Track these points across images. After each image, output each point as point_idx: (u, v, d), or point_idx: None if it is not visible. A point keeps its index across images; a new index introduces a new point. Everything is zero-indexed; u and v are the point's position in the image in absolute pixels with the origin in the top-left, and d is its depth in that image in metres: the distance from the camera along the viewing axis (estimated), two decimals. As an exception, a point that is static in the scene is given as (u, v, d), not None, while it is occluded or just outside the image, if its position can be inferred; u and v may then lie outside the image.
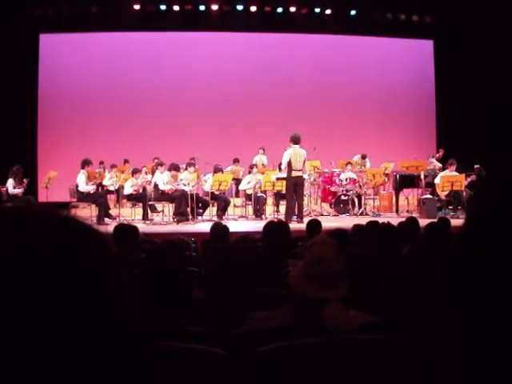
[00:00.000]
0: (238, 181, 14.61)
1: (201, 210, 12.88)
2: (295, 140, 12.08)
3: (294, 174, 11.95)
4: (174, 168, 12.76)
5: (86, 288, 0.75)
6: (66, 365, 0.72)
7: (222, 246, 5.78)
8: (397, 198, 14.09)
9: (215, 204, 13.15)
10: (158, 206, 13.16)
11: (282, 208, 13.14)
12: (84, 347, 0.73)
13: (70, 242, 0.77)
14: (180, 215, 12.29)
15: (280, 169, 13.18)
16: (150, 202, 12.85)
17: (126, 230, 5.79)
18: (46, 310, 0.71)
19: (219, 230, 6.17)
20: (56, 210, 0.83)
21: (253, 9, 17.62)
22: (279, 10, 17.81)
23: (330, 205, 14.13)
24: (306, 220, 7.87)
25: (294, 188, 11.99)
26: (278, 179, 12.99)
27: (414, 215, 10.41)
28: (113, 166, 14.72)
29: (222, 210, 13.04)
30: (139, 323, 0.82)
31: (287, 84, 18.00)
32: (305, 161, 12.19)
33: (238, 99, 17.83)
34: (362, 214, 13.59)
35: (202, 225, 11.61)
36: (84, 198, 12.39)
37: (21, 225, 0.77)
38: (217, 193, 12.85)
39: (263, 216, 13.22)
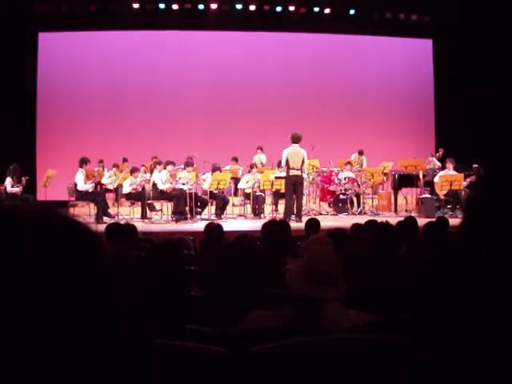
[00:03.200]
0: (236, 180, 14.60)
1: (199, 209, 12.88)
2: (294, 139, 12.08)
3: (292, 172, 11.94)
4: (169, 163, 12.81)
5: (83, 287, 0.75)
6: (67, 362, 0.72)
7: (217, 245, 5.79)
8: (395, 197, 14.09)
9: (214, 203, 13.15)
10: (157, 205, 13.16)
11: (281, 207, 13.13)
12: (84, 344, 0.73)
13: (63, 240, 0.77)
14: (179, 214, 12.29)
15: (279, 167, 13.22)
16: (148, 201, 12.85)
17: (118, 229, 5.80)
18: (42, 308, 0.72)
19: (213, 229, 6.16)
20: (52, 208, 0.84)
21: (252, 8, 17.59)
22: (278, 9, 17.78)
23: (329, 204, 14.14)
24: (305, 219, 7.87)
25: (293, 187, 11.98)
26: (276, 178, 12.99)
27: (412, 214, 10.41)
28: (114, 165, 14.69)
29: (221, 208, 13.04)
30: (138, 322, 0.82)
31: (286, 83, 17.99)
32: (304, 160, 12.16)
33: (237, 98, 17.82)
34: (360, 213, 13.59)
35: (201, 224, 11.58)
36: (82, 196, 12.40)
37: (13, 223, 0.77)
38: (215, 192, 12.85)
39: (262, 215, 13.23)
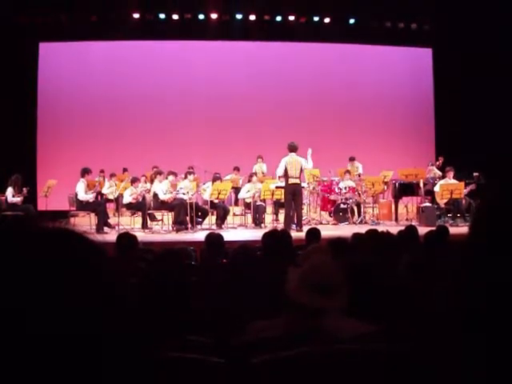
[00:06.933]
0: (237, 189, 14.60)
1: (200, 219, 12.87)
2: (291, 148, 12.11)
3: (290, 181, 11.96)
4: (170, 174, 12.81)
5: (88, 297, 0.76)
6: (68, 367, 0.72)
7: (217, 255, 5.78)
8: (396, 206, 14.08)
9: (214, 213, 13.14)
10: (158, 215, 13.15)
11: (281, 216, 13.12)
12: (86, 351, 0.73)
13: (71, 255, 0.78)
14: (179, 224, 12.27)
15: (278, 176, 13.21)
16: (149, 211, 12.84)
17: (128, 239, 5.81)
18: (47, 319, 0.72)
19: (213, 239, 6.15)
20: (54, 220, 0.84)
21: (252, 18, 17.66)
22: (278, 18, 17.85)
23: (330, 213, 14.13)
24: (306, 229, 7.87)
25: (292, 196, 11.99)
26: (277, 188, 12.97)
27: (413, 223, 10.39)
28: (112, 175, 14.72)
29: (222, 218, 13.03)
30: (140, 332, 0.83)
31: (286, 92, 18.03)
32: (302, 169, 12.17)
33: (237, 107, 17.85)
34: (361, 222, 13.60)
35: (202, 233, 11.57)
36: (83, 206, 12.39)
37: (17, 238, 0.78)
38: (216, 201, 12.84)
39: (262, 225, 13.21)
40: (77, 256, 0.79)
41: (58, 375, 0.71)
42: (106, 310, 0.77)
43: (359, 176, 14.96)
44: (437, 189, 13.23)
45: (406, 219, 13.82)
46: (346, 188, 13.88)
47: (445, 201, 13.02)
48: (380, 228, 6.74)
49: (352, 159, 15.73)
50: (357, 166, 15.61)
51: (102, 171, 15.31)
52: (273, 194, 13.13)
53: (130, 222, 13.11)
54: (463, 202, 12.98)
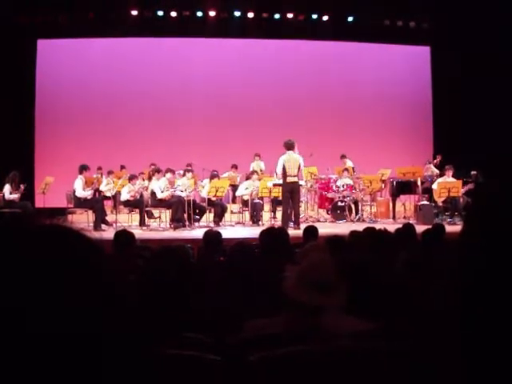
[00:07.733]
0: (234, 187, 14.59)
1: (198, 217, 12.86)
2: (289, 146, 12.10)
3: (289, 179, 11.95)
4: (168, 171, 12.80)
5: (86, 295, 0.76)
6: (68, 366, 0.72)
7: (215, 253, 5.78)
8: (394, 204, 14.09)
9: (212, 210, 13.13)
10: (155, 212, 13.14)
11: (279, 214, 13.11)
12: (86, 350, 0.73)
13: (69, 252, 0.78)
14: (177, 221, 12.26)
15: (277, 174, 13.20)
16: (146, 208, 12.83)
17: (126, 236, 5.81)
18: (45, 317, 0.72)
19: (211, 237, 6.15)
20: (52, 217, 0.84)
21: (250, 15, 17.64)
22: (276, 16, 17.83)
23: (327, 211, 14.13)
24: (303, 226, 7.87)
25: (289, 194, 11.98)
26: (274, 185, 12.96)
27: (410, 221, 10.40)
28: (110, 173, 14.70)
29: (219, 216, 13.03)
30: (140, 331, 0.83)
31: (285, 90, 18.01)
32: (300, 166, 12.17)
33: (236, 105, 17.83)
34: (358, 220, 13.59)
35: (199, 231, 11.56)
36: (81, 203, 12.37)
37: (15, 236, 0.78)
38: (214, 199, 12.83)
39: (260, 222, 13.21)
40: (77, 255, 0.79)
41: (58, 375, 0.71)
42: (106, 310, 0.77)
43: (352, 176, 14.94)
44: (434, 187, 13.24)
45: (404, 217, 13.82)
46: (343, 186, 13.88)
47: (442, 199, 13.03)
48: (377, 226, 6.75)
49: (343, 157, 15.66)
50: (347, 164, 15.46)
51: (99, 168, 15.29)
52: (270, 192, 13.12)
53: (127, 220, 13.11)
54: (461, 200, 12.99)
